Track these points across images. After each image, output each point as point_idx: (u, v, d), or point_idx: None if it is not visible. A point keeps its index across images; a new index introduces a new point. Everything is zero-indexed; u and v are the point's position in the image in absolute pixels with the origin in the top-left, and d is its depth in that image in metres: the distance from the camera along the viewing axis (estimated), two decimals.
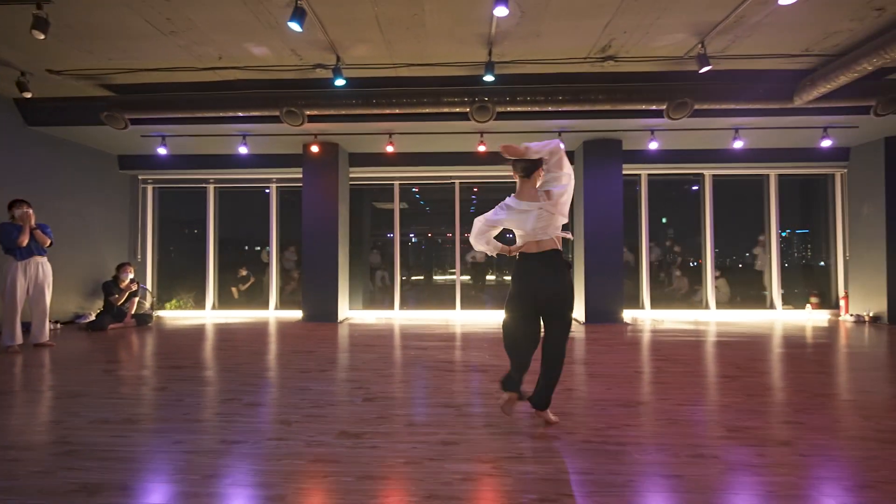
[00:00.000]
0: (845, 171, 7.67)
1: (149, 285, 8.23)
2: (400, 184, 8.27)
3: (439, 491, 1.99)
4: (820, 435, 2.62)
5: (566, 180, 2.63)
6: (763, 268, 8.22)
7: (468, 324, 7.09)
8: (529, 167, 2.72)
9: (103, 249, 7.60)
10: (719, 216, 8.07)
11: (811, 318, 7.62)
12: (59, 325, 6.61)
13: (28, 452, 2.40)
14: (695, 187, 8.27)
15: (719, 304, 8.06)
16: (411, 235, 10.56)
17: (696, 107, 5.37)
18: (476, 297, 9.27)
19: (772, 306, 7.98)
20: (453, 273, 8.45)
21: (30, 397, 3.41)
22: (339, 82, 4.98)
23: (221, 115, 5.73)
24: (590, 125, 6.30)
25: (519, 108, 5.54)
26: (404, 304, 8.48)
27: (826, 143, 6.50)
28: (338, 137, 6.95)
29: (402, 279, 8.61)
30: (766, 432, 2.65)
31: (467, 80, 5.41)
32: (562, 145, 2.65)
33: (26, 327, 5.23)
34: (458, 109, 5.55)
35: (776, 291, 7.95)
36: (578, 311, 7.32)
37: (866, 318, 7.03)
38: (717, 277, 8.16)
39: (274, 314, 8.17)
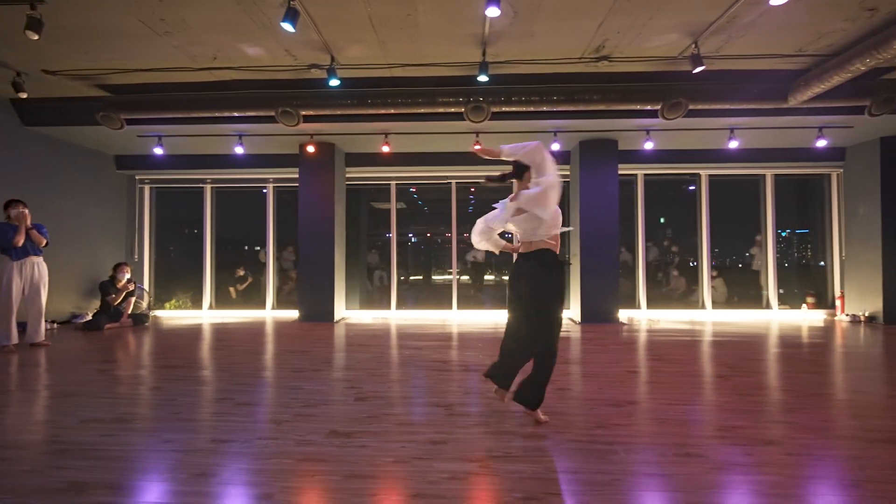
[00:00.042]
0: (841, 170, 7.68)
1: (146, 285, 8.24)
2: (397, 184, 8.28)
3: (425, 490, 2.00)
4: (808, 434, 2.63)
5: (543, 184, 2.60)
6: (760, 268, 8.23)
7: (464, 323, 7.09)
8: (518, 169, 2.75)
9: (100, 249, 7.61)
10: (717, 216, 8.08)
11: (807, 317, 7.63)
12: (55, 325, 6.63)
13: (19, 451, 2.41)
14: (691, 187, 8.28)
15: (717, 304, 8.07)
16: (410, 235, 10.57)
17: (691, 107, 5.37)
18: (475, 297, 9.28)
19: (768, 306, 7.99)
20: (451, 273, 8.46)
21: (23, 397, 3.42)
22: (334, 82, 4.98)
23: (217, 115, 5.74)
24: (585, 125, 6.31)
25: (514, 109, 5.55)
26: (403, 303, 8.49)
27: (821, 143, 6.50)
28: (334, 137, 6.96)
29: (400, 279, 8.61)
30: (754, 432, 2.66)
31: (462, 80, 5.41)
32: (542, 147, 2.66)
33: (22, 327, 5.24)
34: (453, 110, 5.56)
35: (772, 291, 7.96)
36: (574, 311, 7.33)
37: (862, 318, 7.04)
38: (714, 277, 8.17)
39: (270, 314, 8.18)
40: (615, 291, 7.02)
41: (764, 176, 7.98)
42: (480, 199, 9.91)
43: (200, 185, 8.36)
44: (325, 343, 5.50)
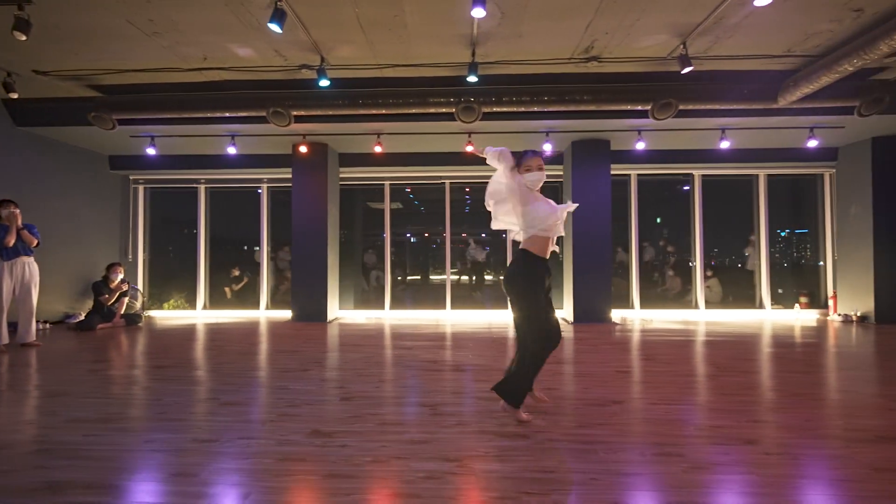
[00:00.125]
0: (834, 170, 7.69)
1: (140, 285, 8.25)
2: (390, 184, 8.29)
3: (401, 489, 2.01)
4: (788, 434, 2.64)
5: (499, 184, 2.87)
6: (754, 267, 8.24)
7: (458, 323, 7.11)
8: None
9: (94, 250, 7.62)
10: (712, 216, 8.10)
11: (800, 317, 7.64)
12: (48, 325, 6.64)
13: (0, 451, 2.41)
14: (686, 187, 8.30)
15: (711, 304, 8.09)
16: (409, 235, 10.57)
17: (681, 107, 5.39)
18: (473, 297, 9.25)
19: (761, 306, 8.01)
20: (453, 272, 8.46)
21: (11, 397, 3.43)
22: (324, 83, 4.99)
23: (209, 115, 5.74)
24: (577, 125, 6.32)
25: (505, 109, 5.56)
26: (399, 303, 8.51)
27: (812, 144, 6.52)
28: (326, 138, 6.97)
29: (397, 279, 8.60)
30: (735, 431, 2.67)
31: (453, 80, 5.43)
32: (496, 154, 2.81)
33: (13, 327, 5.25)
34: (444, 110, 5.57)
35: (765, 291, 7.97)
36: (566, 311, 7.35)
37: (854, 318, 7.06)
38: (709, 277, 8.19)
39: (264, 314, 8.19)
40: (608, 291, 7.03)
41: (757, 176, 8.00)
42: (476, 200, 9.91)
43: (194, 186, 8.37)
44: (317, 343, 5.51)
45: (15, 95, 5.24)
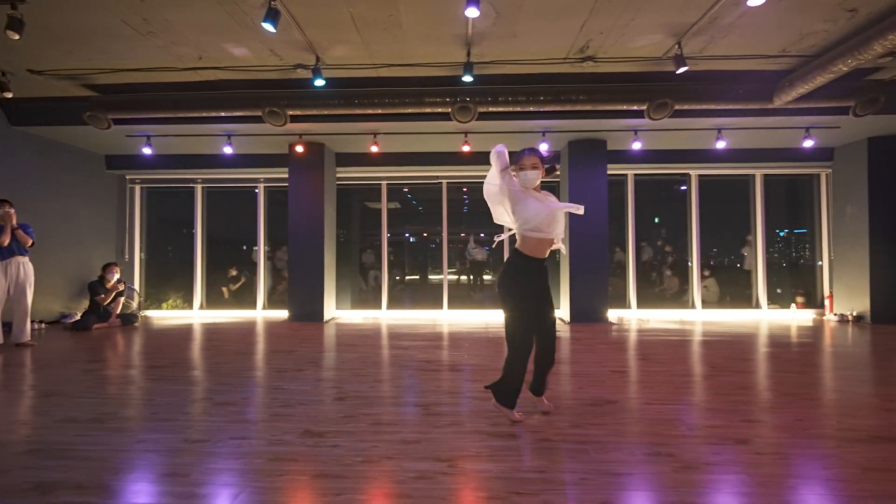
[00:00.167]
0: (830, 171, 7.71)
1: (136, 285, 8.24)
2: (388, 184, 8.29)
3: (390, 489, 2.01)
4: (780, 433, 2.64)
5: (492, 185, 2.86)
6: (751, 267, 8.25)
7: (455, 323, 7.11)
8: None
9: (90, 249, 7.61)
10: (710, 216, 8.11)
11: (796, 317, 7.66)
12: (43, 325, 6.63)
13: None
14: (683, 187, 8.30)
15: (708, 304, 8.10)
16: (407, 235, 10.57)
17: (677, 107, 5.39)
18: (472, 297, 9.22)
19: (758, 306, 8.01)
20: (451, 272, 8.45)
21: (3, 397, 3.42)
22: (319, 82, 4.99)
23: (204, 115, 5.73)
24: (573, 125, 6.32)
25: (501, 109, 5.56)
26: (397, 303, 8.50)
27: (808, 144, 6.53)
28: (323, 137, 6.97)
29: (396, 279, 8.58)
30: (726, 431, 2.67)
31: (448, 80, 5.42)
32: (494, 154, 2.80)
33: (8, 327, 5.24)
34: (440, 110, 5.57)
35: (762, 291, 7.98)
36: (563, 311, 7.35)
37: (850, 318, 7.07)
38: (706, 277, 8.19)
39: (261, 314, 8.18)
40: (605, 291, 7.03)
41: (753, 176, 8.01)
42: (473, 199, 9.90)
43: (191, 185, 8.36)
44: (313, 343, 5.50)
45: (9, 95, 5.23)
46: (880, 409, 3.07)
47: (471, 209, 10.34)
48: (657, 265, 8.89)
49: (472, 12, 3.61)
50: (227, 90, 5.61)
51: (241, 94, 5.56)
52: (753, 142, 7.07)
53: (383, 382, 3.77)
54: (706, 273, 8.19)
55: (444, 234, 8.26)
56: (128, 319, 7.00)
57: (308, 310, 7.17)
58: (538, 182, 2.86)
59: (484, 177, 2.95)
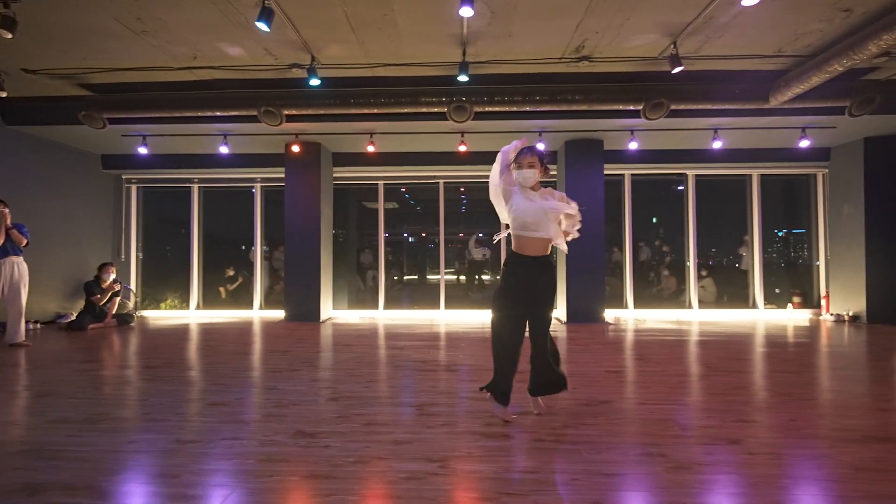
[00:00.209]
0: (826, 171, 7.71)
1: (133, 285, 8.22)
2: (385, 184, 8.28)
3: (381, 490, 2.00)
4: (773, 434, 2.64)
5: (492, 185, 2.90)
6: (748, 267, 8.25)
7: (451, 323, 7.10)
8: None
9: (86, 249, 7.59)
10: (708, 216, 8.11)
11: (792, 317, 7.66)
12: (38, 325, 6.60)
13: None
14: (680, 187, 8.31)
15: (705, 304, 8.10)
16: (405, 235, 10.56)
17: (673, 107, 5.39)
18: (471, 297, 9.19)
19: (754, 306, 8.02)
20: (448, 272, 8.44)
21: None
22: (314, 82, 4.98)
23: (200, 114, 5.71)
24: (570, 125, 6.32)
25: (497, 108, 5.55)
26: (396, 303, 8.48)
27: (804, 144, 6.53)
28: (319, 137, 6.96)
29: (394, 279, 8.56)
30: (719, 431, 2.67)
31: (444, 80, 5.41)
32: (502, 151, 2.87)
33: (2, 327, 5.22)
34: (436, 109, 5.56)
35: (759, 291, 7.99)
36: (560, 311, 7.34)
37: (846, 318, 7.07)
38: (703, 277, 8.19)
39: (258, 314, 8.17)
40: (601, 291, 7.03)
41: (750, 176, 8.01)
42: (471, 199, 9.90)
43: (188, 185, 8.34)
44: (308, 343, 5.49)
45: (4, 94, 5.20)
46: (874, 410, 3.07)
47: (469, 209, 10.33)
48: (655, 265, 8.90)
49: (466, 11, 3.61)
50: (223, 90, 5.59)
51: (236, 93, 5.55)
52: (750, 142, 7.07)
53: (378, 383, 3.77)
54: (703, 273, 8.19)
55: (441, 234, 8.25)
56: (123, 320, 6.99)
57: (304, 310, 7.16)
58: (535, 181, 2.86)
59: (482, 176, 2.98)
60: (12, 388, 3.64)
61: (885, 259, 6.82)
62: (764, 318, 7.57)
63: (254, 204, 8.35)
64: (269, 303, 8.46)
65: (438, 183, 8.24)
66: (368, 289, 9.03)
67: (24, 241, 5.15)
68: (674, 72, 4.63)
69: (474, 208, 10.21)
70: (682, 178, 8.13)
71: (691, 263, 8.05)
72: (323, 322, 7.18)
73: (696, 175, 8.01)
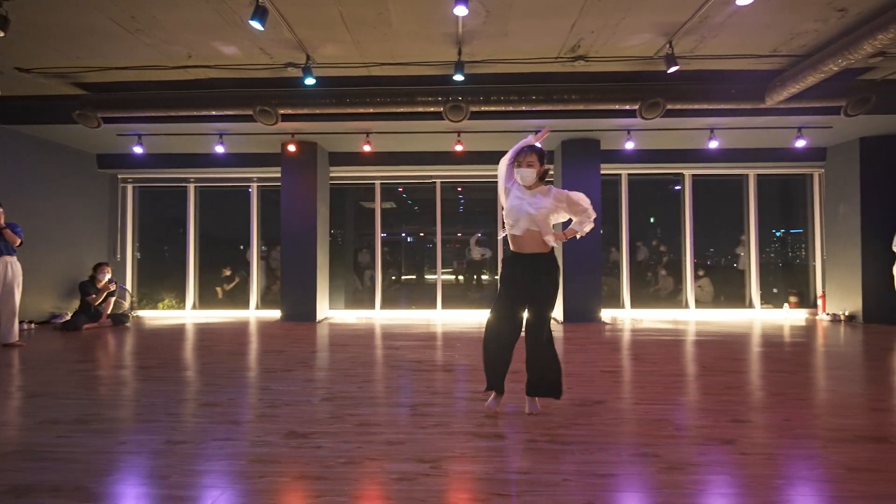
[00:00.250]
0: (822, 170, 7.72)
1: (129, 285, 8.19)
2: (381, 183, 8.26)
3: (371, 491, 1.99)
4: (767, 434, 2.63)
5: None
6: (745, 267, 8.26)
7: (448, 323, 7.09)
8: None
9: (82, 249, 7.56)
10: (705, 216, 8.12)
11: (789, 317, 7.67)
12: (33, 325, 6.58)
13: None
14: (677, 187, 8.31)
15: (703, 304, 8.10)
16: (404, 235, 10.54)
17: (669, 107, 5.39)
18: (470, 297, 9.15)
19: (751, 305, 8.03)
20: (447, 272, 8.42)
21: None
22: (310, 81, 4.96)
23: (195, 113, 5.70)
24: (566, 125, 6.31)
25: (493, 108, 5.54)
26: (392, 303, 8.47)
27: (800, 144, 6.54)
28: (316, 136, 6.94)
29: (392, 278, 8.54)
30: (713, 431, 2.66)
31: (440, 79, 5.41)
32: (512, 150, 2.91)
33: None
34: (432, 109, 5.55)
35: (755, 290, 7.99)
36: (557, 311, 7.34)
37: (842, 317, 7.08)
38: (700, 277, 8.20)
39: (254, 314, 8.15)
40: (598, 291, 7.03)
41: (746, 176, 8.02)
42: (469, 199, 9.89)
43: (184, 185, 8.32)
44: (304, 343, 5.48)
45: None
46: (868, 409, 3.06)
47: (466, 209, 10.31)
48: (652, 265, 8.90)
49: (460, 11, 3.60)
50: (218, 89, 5.58)
51: (231, 92, 5.54)
52: (746, 141, 7.08)
53: (372, 383, 3.75)
54: (701, 273, 8.20)
55: (438, 234, 8.24)
56: (119, 320, 6.96)
57: (301, 310, 7.15)
58: (533, 179, 2.83)
59: (479, 176, 3.02)
60: (5, 388, 3.62)
61: (881, 259, 6.81)
62: (760, 318, 7.58)
63: (250, 203, 8.33)
64: (265, 303, 8.43)
65: (435, 182, 8.22)
66: (366, 289, 9.01)
67: (18, 241, 5.12)
68: (669, 71, 4.63)
69: (472, 208, 10.20)
70: (678, 178, 8.13)
71: (688, 263, 8.05)
72: (319, 322, 7.16)
73: (693, 175, 8.01)
